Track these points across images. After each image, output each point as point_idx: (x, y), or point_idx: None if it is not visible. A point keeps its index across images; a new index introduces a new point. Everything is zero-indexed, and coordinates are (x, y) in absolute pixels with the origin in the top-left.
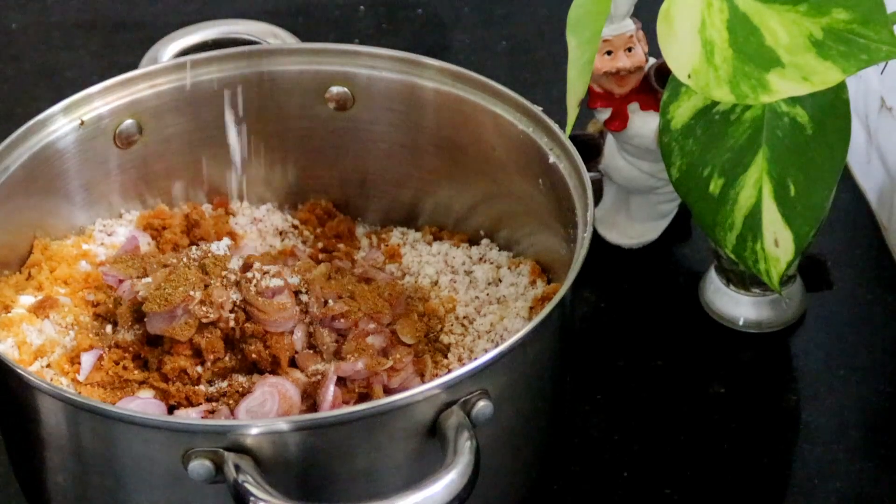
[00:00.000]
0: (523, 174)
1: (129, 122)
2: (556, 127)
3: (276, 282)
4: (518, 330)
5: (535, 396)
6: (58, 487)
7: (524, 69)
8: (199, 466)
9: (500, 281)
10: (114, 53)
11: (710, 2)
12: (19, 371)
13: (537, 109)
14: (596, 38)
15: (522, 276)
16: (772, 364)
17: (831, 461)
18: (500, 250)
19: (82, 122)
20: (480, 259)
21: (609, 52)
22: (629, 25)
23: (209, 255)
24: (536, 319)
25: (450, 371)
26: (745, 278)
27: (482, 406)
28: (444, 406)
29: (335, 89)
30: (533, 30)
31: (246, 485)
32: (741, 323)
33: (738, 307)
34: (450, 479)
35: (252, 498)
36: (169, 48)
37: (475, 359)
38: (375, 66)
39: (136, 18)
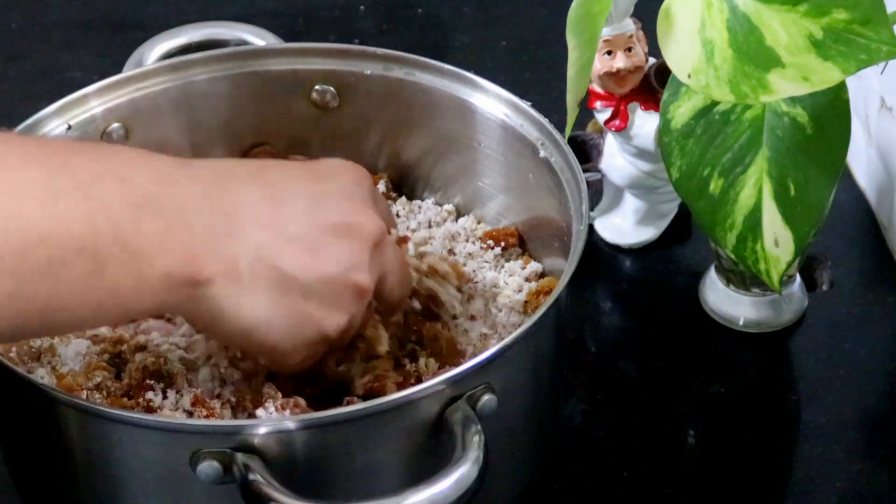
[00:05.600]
0: (516, 169)
1: (115, 125)
2: (546, 122)
3: None
4: (514, 324)
5: (535, 390)
6: (60, 493)
7: (524, 69)
8: (208, 468)
9: (497, 275)
10: (114, 53)
11: (710, 2)
12: (22, 374)
13: (526, 104)
14: (596, 38)
15: (517, 271)
16: (772, 364)
17: (831, 461)
18: (494, 245)
19: (69, 127)
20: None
21: (609, 52)
22: (629, 25)
23: None
24: (538, 313)
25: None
26: (745, 278)
27: (487, 400)
28: (450, 401)
29: (321, 88)
30: (533, 30)
31: (257, 484)
32: (741, 323)
33: (738, 307)
34: (460, 474)
35: (263, 497)
36: (153, 51)
37: (477, 353)
38: (361, 65)
39: (136, 18)
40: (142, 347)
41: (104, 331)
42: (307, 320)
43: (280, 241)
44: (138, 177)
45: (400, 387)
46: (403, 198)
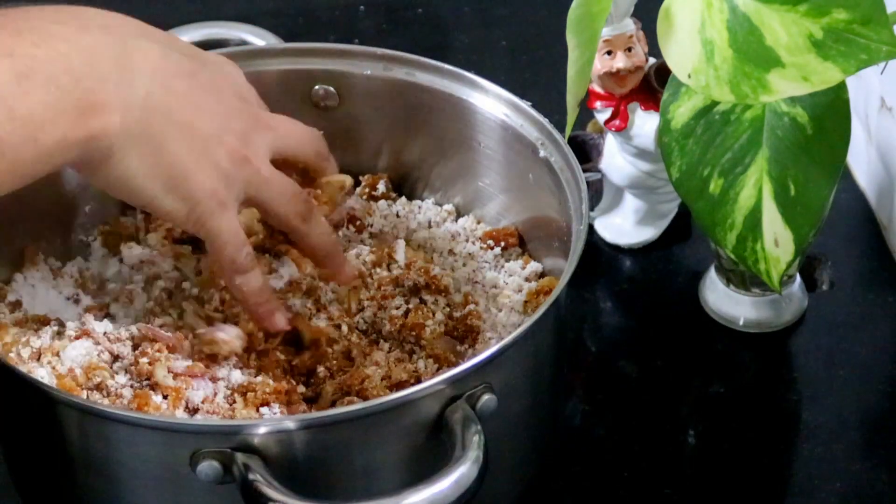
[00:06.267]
0: (516, 169)
1: None
2: (546, 122)
3: None
4: (514, 324)
5: (535, 389)
6: (60, 493)
7: (524, 69)
8: (208, 467)
9: (497, 275)
10: None
11: (710, 2)
12: (22, 374)
13: (526, 104)
14: (596, 38)
15: (517, 271)
16: (772, 364)
17: (831, 461)
18: (494, 245)
19: None
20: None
21: (609, 52)
22: (629, 25)
23: None
24: (538, 312)
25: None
26: (745, 278)
27: (486, 399)
28: (450, 401)
29: (321, 88)
30: (533, 30)
31: (256, 484)
32: (741, 323)
33: (738, 307)
34: (460, 474)
35: (263, 497)
36: None
37: (477, 353)
38: (361, 65)
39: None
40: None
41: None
42: (183, 172)
43: (169, 97)
44: (23, 45)
45: (399, 387)
46: (403, 198)
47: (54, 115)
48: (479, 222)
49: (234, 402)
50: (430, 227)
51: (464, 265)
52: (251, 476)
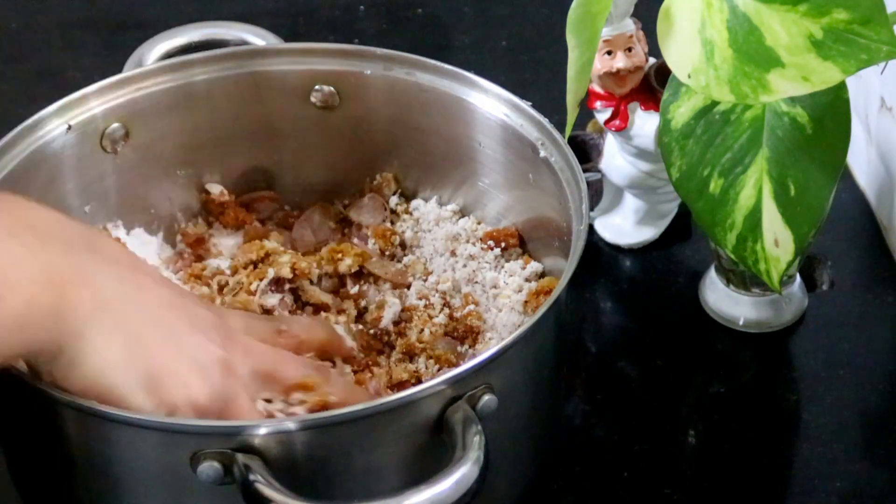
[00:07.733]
0: (515, 169)
1: (115, 125)
2: (546, 122)
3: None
4: (514, 324)
5: (535, 389)
6: (60, 493)
7: (524, 69)
8: (209, 468)
9: (497, 275)
10: (114, 53)
11: (710, 2)
12: (23, 375)
13: (526, 104)
14: (596, 38)
15: (517, 271)
16: (772, 364)
17: (831, 461)
18: (494, 245)
19: (69, 127)
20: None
21: (609, 52)
22: (629, 25)
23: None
24: (539, 313)
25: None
26: (745, 278)
27: (487, 400)
28: (451, 401)
29: (322, 88)
30: (533, 30)
31: (257, 484)
32: (741, 323)
33: (738, 307)
34: (461, 474)
35: (263, 497)
36: (153, 51)
37: (477, 353)
38: (361, 65)
39: (136, 18)
40: None
41: None
42: (171, 377)
43: (139, 294)
44: None
45: (400, 387)
46: (403, 198)
47: None
48: (479, 223)
49: None
50: (430, 227)
51: (464, 266)
52: (252, 477)
